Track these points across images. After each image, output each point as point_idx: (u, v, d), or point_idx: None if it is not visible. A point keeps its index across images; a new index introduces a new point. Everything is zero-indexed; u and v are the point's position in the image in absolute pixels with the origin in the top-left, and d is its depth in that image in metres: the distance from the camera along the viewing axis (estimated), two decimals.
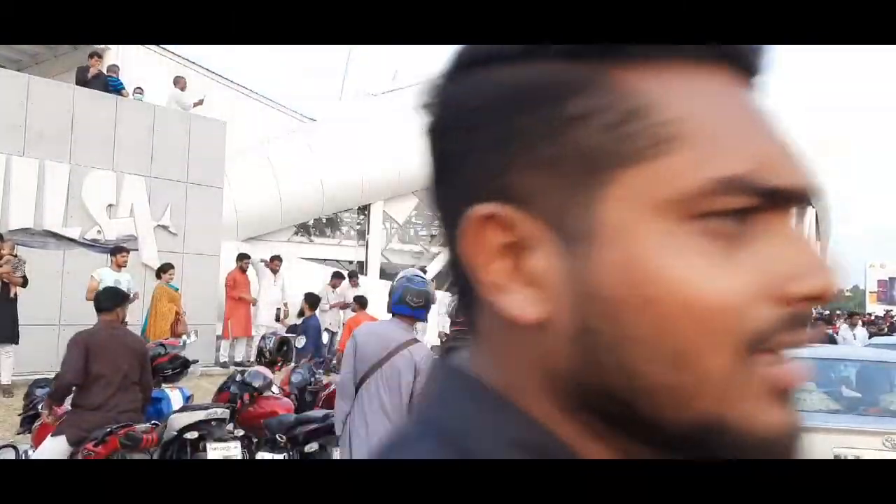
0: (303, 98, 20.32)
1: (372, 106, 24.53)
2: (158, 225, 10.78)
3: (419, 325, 11.92)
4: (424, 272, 14.43)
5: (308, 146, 16.95)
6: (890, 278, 53.64)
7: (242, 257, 11.53)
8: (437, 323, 11.84)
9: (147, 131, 10.75)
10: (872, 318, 30.23)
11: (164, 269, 9.80)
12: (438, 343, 10.71)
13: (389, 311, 3.94)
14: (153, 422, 5.32)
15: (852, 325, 14.38)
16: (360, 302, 10.33)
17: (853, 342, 12.74)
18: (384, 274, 19.14)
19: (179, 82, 12.15)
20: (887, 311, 32.17)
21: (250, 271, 11.68)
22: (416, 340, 3.84)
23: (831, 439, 4.86)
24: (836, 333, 14.08)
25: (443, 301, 9.89)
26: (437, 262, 20.40)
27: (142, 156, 10.68)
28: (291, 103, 18.27)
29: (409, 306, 3.84)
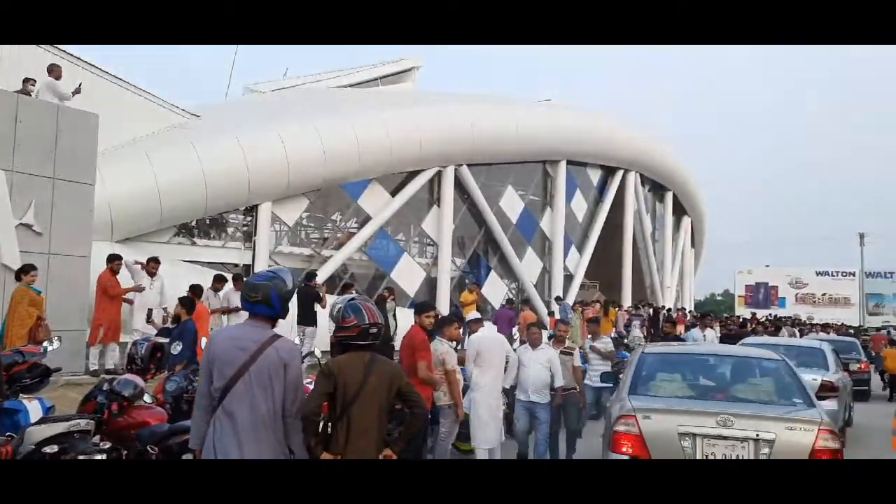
0: (186, 93, 19.52)
1: (259, 102, 23.90)
2: (21, 223, 9.97)
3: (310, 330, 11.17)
4: (314, 276, 14.14)
5: (191, 143, 16.22)
6: (756, 283, 57.52)
7: (113, 258, 10.85)
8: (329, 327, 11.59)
9: (9, 122, 9.94)
10: (730, 318, 32.34)
11: (24, 271, 9.09)
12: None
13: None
14: (8, 434, 4.92)
15: (703, 327, 15.75)
16: None
17: (702, 342, 13.88)
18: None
19: (54, 71, 11.32)
20: (753, 314, 34.48)
21: (124, 274, 11.00)
22: (277, 336, 3.69)
23: (676, 419, 5.60)
24: (703, 333, 15.03)
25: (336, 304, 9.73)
26: (329, 266, 20.06)
27: (3, 148, 9.86)
28: (173, 98, 17.42)
29: (247, 301, 3.72)
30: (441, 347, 7.23)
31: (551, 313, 21.80)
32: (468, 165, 23.41)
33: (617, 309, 22.87)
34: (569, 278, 28.12)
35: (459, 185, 23.58)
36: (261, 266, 18.90)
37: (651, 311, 26.74)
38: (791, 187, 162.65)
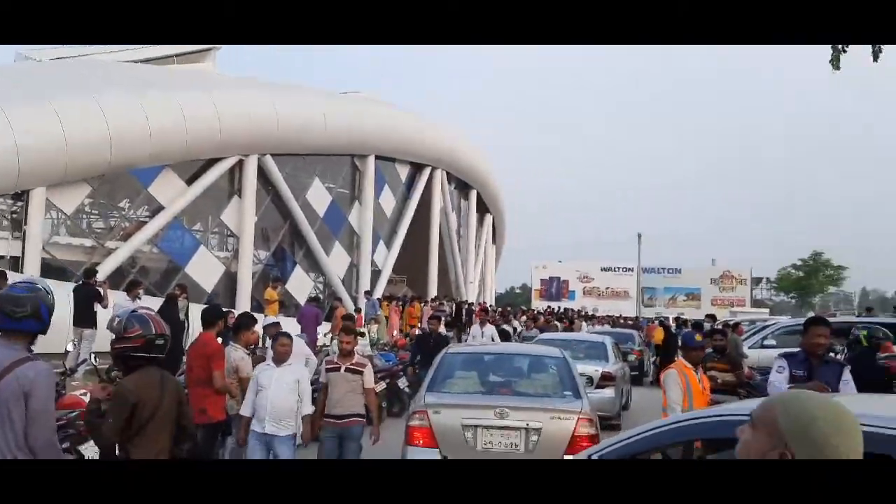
0: None
1: (33, 72, 21.21)
2: None
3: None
4: (94, 273, 12.70)
5: None
6: (550, 277, 61.42)
7: None
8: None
9: None
10: (526, 312, 34.08)
11: None
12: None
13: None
14: None
15: (482, 324, 14.65)
16: None
17: (481, 339, 13.74)
18: (47, 271, 16.61)
19: None
20: (548, 307, 36.75)
21: None
22: (28, 359, 3.16)
23: (461, 412, 6.21)
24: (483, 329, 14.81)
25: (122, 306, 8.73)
26: (114, 259, 18.31)
27: None
28: None
29: (9, 318, 3.19)
30: (235, 354, 7.03)
31: (358, 310, 21.56)
32: (272, 155, 22.50)
33: (423, 304, 23.17)
34: (377, 273, 28.09)
35: (263, 175, 22.62)
36: (32, 259, 16.81)
37: (454, 305, 27.49)
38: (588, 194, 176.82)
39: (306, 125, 22.88)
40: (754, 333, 17.49)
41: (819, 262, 58.80)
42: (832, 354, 5.98)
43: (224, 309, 7.87)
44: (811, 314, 53.68)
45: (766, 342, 16.11)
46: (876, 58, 8.26)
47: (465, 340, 15.99)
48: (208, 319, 6.96)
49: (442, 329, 12.72)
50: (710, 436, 3.15)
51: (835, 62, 8.41)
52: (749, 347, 15.12)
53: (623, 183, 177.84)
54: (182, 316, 12.85)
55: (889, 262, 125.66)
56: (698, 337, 6.29)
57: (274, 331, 7.44)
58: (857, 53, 8.56)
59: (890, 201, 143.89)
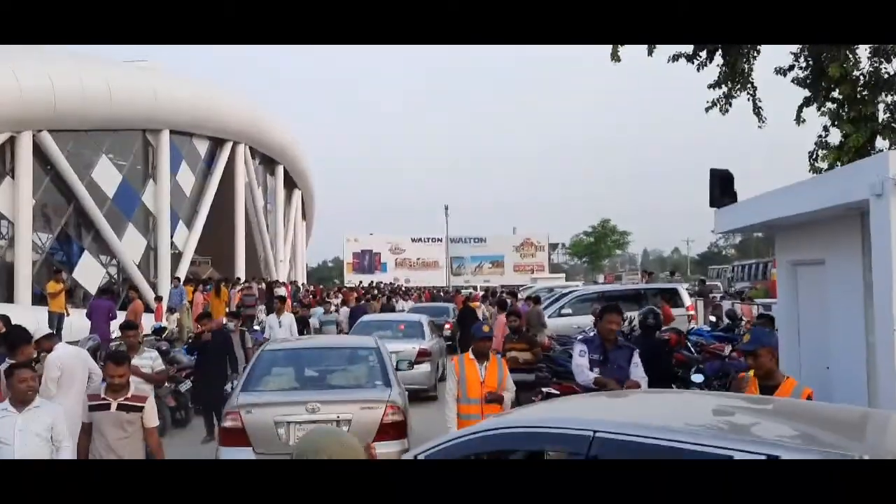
0: None
1: None
2: None
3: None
4: None
5: None
6: (362, 251, 61.49)
7: None
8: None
9: None
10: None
11: None
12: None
13: None
14: None
15: (279, 313, 13.38)
16: None
17: (278, 330, 12.66)
18: None
19: None
20: (360, 282, 36.86)
21: None
22: None
23: (273, 410, 6.27)
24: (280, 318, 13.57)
25: None
26: None
27: None
28: None
29: None
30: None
31: (158, 298, 20.19)
32: (50, 132, 20.28)
33: (230, 288, 22.13)
34: (177, 256, 26.47)
35: (40, 153, 20.34)
36: None
37: (264, 286, 26.66)
38: (393, 164, 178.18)
39: (89, 97, 20.81)
40: (552, 303, 18.73)
41: (607, 228, 64.19)
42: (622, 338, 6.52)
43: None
44: (601, 276, 58.53)
45: (563, 311, 17.35)
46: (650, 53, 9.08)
47: (258, 330, 15.14)
48: None
49: (231, 324, 11.21)
50: (506, 447, 3.34)
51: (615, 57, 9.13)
52: (548, 317, 16.19)
53: (425, 155, 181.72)
54: None
55: (665, 224, 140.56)
56: (485, 328, 6.24)
57: (49, 346, 6.64)
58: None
59: (665, 167, 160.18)
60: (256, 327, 16.29)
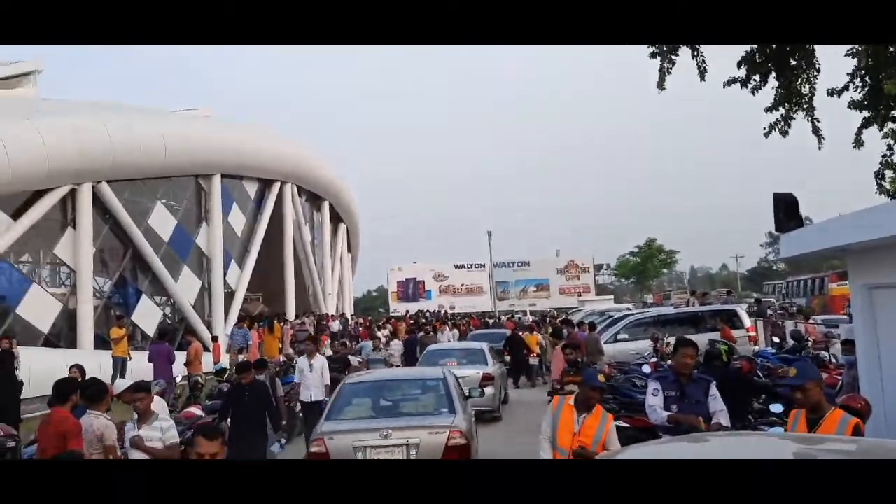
0: None
1: None
2: None
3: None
4: None
5: None
6: (406, 279, 61.79)
7: None
8: None
9: None
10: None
11: None
12: None
13: None
14: None
15: (310, 356, 11.80)
16: None
17: (309, 375, 11.47)
18: None
19: None
20: (407, 311, 37.07)
21: None
22: None
23: (352, 437, 7.05)
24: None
25: None
26: None
27: None
28: None
29: None
30: (96, 422, 6.39)
31: (214, 338, 20.57)
32: (108, 182, 20.99)
33: (282, 324, 22.43)
34: (230, 295, 26.99)
35: (100, 203, 21.05)
36: None
37: (315, 320, 27.00)
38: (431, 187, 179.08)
39: (144, 147, 21.54)
40: (607, 327, 18.55)
41: (653, 248, 63.43)
42: (695, 371, 6.45)
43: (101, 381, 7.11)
44: (649, 296, 57.57)
45: (619, 336, 17.17)
46: (703, 77, 9.03)
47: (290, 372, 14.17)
48: (61, 393, 6.38)
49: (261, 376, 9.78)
50: None
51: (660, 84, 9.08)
52: (604, 343, 16.04)
53: (465, 180, 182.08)
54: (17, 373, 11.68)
55: (712, 242, 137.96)
56: (601, 377, 5.63)
57: (132, 398, 6.81)
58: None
59: (707, 183, 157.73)
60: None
